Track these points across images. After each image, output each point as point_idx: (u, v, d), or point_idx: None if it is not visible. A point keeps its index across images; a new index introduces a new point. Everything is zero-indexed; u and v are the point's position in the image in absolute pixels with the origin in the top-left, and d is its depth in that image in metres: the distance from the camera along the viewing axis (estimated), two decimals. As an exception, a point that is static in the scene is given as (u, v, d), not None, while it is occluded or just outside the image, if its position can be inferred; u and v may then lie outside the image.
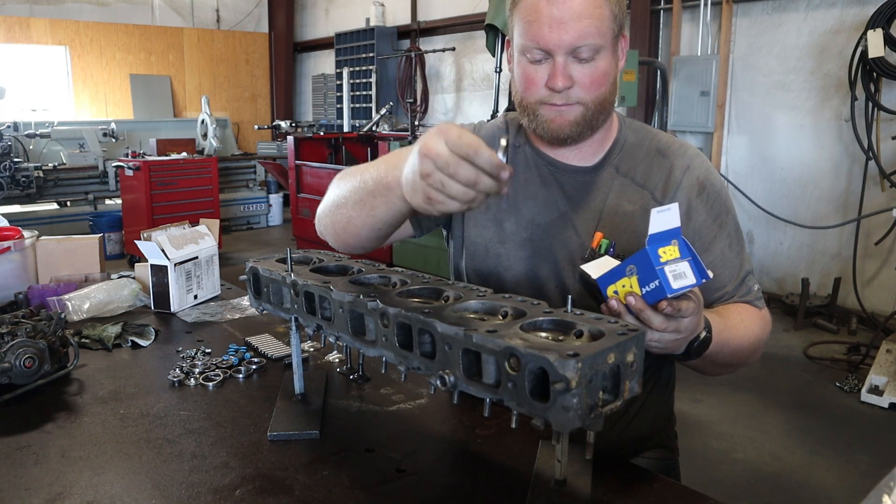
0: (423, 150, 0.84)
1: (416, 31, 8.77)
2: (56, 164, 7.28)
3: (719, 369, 1.22)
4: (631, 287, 0.92)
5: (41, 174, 6.98)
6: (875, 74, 4.46)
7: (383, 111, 7.51)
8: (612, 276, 0.94)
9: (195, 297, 1.84)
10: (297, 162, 6.70)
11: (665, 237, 0.90)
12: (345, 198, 1.13)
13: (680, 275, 0.89)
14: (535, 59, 1.16)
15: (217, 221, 1.98)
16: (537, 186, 1.31)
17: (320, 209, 1.27)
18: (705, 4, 5.46)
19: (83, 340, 1.54)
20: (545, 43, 1.13)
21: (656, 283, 0.89)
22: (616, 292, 0.94)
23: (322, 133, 7.69)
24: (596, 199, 1.28)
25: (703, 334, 1.04)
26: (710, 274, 0.93)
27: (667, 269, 0.89)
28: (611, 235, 1.25)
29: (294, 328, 1.15)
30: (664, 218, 0.90)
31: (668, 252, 0.90)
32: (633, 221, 1.25)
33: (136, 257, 5.92)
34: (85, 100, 9.78)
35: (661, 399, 1.43)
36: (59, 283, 1.82)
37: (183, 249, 1.78)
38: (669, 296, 0.89)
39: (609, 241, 1.25)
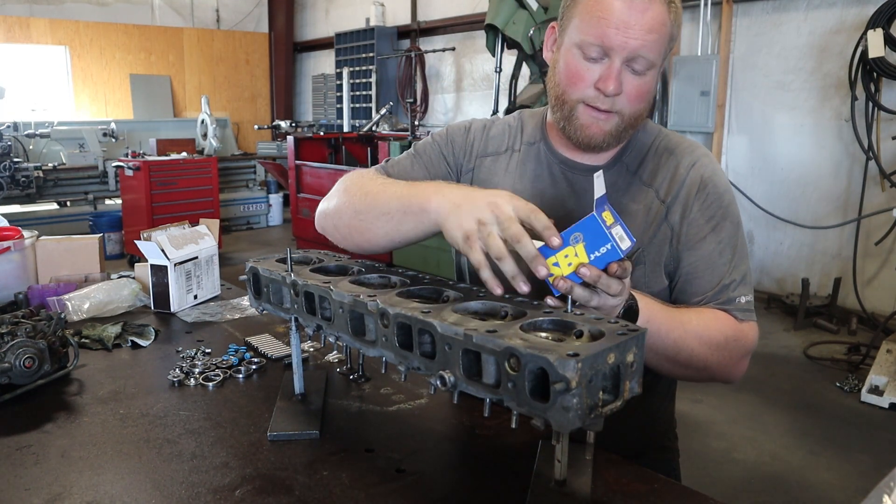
0: (492, 205, 0.93)
1: (416, 31, 8.77)
2: (56, 164, 7.29)
3: (669, 365, 1.16)
4: (576, 255, 0.89)
5: (41, 174, 6.99)
6: (875, 74, 4.46)
7: (383, 111, 7.51)
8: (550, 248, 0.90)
9: (195, 297, 1.84)
10: (297, 162, 6.70)
11: (602, 202, 0.90)
12: (366, 206, 1.16)
13: (621, 237, 0.89)
14: (590, 57, 1.14)
15: (217, 221, 1.98)
16: (546, 185, 1.30)
17: (327, 208, 1.27)
18: (705, 4, 5.46)
19: (83, 340, 1.54)
20: (609, 42, 1.11)
21: (608, 247, 0.88)
22: (556, 264, 0.89)
23: (322, 133, 7.69)
24: None
25: (627, 303, 1.02)
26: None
27: (613, 231, 0.88)
28: None
29: (294, 328, 1.15)
30: (601, 183, 0.91)
31: (608, 217, 0.89)
32: (636, 220, 1.25)
33: (136, 257, 5.92)
34: (85, 100, 9.78)
35: (662, 403, 1.43)
36: (59, 283, 1.82)
37: (183, 249, 1.78)
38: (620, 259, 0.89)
39: None
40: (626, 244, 0.89)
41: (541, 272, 0.87)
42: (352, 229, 1.20)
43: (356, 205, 1.19)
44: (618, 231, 0.89)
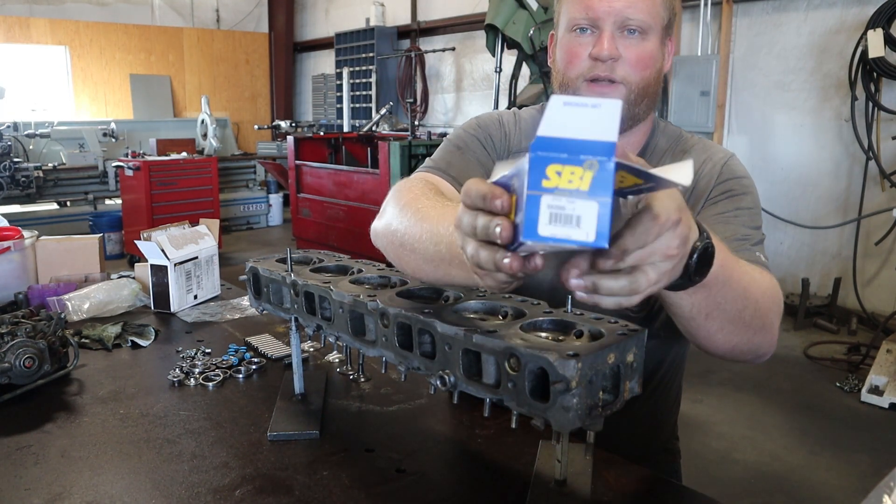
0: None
1: (416, 30, 8.77)
2: (56, 164, 7.29)
3: (731, 327, 0.90)
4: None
5: (41, 174, 6.99)
6: (875, 74, 4.46)
7: (383, 111, 7.51)
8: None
9: (195, 297, 1.84)
10: (297, 162, 6.71)
11: (576, 149, 0.53)
12: (413, 246, 0.99)
13: (566, 218, 0.54)
14: (581, 32, 1.13)
15: (217, 221, 1.98)
16: None
17: (382, 228, 1.11)
18: (705, 4, 5.46)
19: (83, 340, 1.54)
20: (594, 11, 1.11)
21: (521, 217, 0.56)
22: None
23: (322, 133, 7.69)
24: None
25: (702, 243, 0.74)
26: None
27: (547, 200, 0.53)
28: None
29: (294, 328, 1.15)
30: (582, 116, 0.54)
31: (569, 175, 0.53)
32: None
33: (136, 257, 5.92)
34: (85, 100, 9.78)
35: (670, 412, 1.42)
36: (59, 283, 1.82)
37: (183, 249, 1.78)
38: (526, 242, 0.55)
39: None
40: (561, 231, 0.54)
41: (496, 233, 0.60)
42: (404, 265, 1.03)
43: (398, 235, 1.02)
44: (566, 206, 0.54)
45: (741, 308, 0.89)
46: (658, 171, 0.55)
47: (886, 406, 3.51)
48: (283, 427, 1.13)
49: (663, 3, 1.13)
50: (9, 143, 6.87)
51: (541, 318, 0.84)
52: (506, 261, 0.62)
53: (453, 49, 8.34)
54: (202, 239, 1.86)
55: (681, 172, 0.55)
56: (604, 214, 0.54)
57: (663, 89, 5.57)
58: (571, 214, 0.54)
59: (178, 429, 1.15)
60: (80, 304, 1.69)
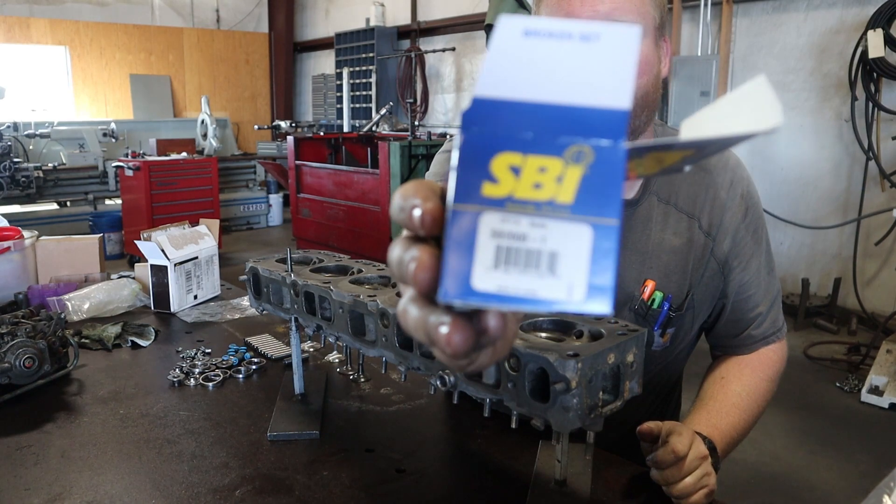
0: None
1: (416, 31, 8.77)
2: (56, 164, 7.29)
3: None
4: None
5: (41, 174, 6.99)
6: (875, 74, 4.46)
7: (383, 111, 7.51)
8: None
9: (195, 297, 1.84)
10: (297, 162, 6.70)
11: (550, 123, 0.31)
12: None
13: (528, 258, 0.31)
14: None
15: (217, 221, 1.98)
16: None
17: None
18: (705, 4, 5.46)
19: (83, 340, 1.54)
20: (577, 18, 0.99)
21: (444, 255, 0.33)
22: None
23: (322, 133, 7.69)
24: (639, 237, 1.14)
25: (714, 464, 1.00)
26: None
27: (490, 221, 0.31)
28: (661, 278, 1.13)
29: (294, 328, 1.15)
30: (559, 58, 0.31)
31: (536, 173, 0.31)
32: (682, 259, 1.14)
33: (136, 257, 5.92)
34: (85, 100, 9.78)
35: (668, 416, 1.42)
36: (59, 283, 1.82)
37: (183, 249, 1.78)
38: (453, 302, 0.32)
39: (664, 293, 1.13)
40: (511, 285, 0.31)
41: (410, 273, 0.35)
42: None
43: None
44: (526, 234, 0.31)
45: (751, 429, 1.16)
46: (718, 130, 0.32)
47: (886, 406, 3.51)
48: (283, 427, 1.13)
49: (652, 2, 1.04)
50: (9, 143, 6.87)
51: (541, 318, 0.84)
52: (442, 330, 0.34)
53: (453, 49, 8.34)
54: (202, 239, 1.86)
55: (762, 112, 0.31)
56: (604, 250, 0.30)
57: (664, 89, 5.58)
58: (539, 250, 0.30)
59: (178, 429, 1.15)
60: (80, 304, 1.69)
